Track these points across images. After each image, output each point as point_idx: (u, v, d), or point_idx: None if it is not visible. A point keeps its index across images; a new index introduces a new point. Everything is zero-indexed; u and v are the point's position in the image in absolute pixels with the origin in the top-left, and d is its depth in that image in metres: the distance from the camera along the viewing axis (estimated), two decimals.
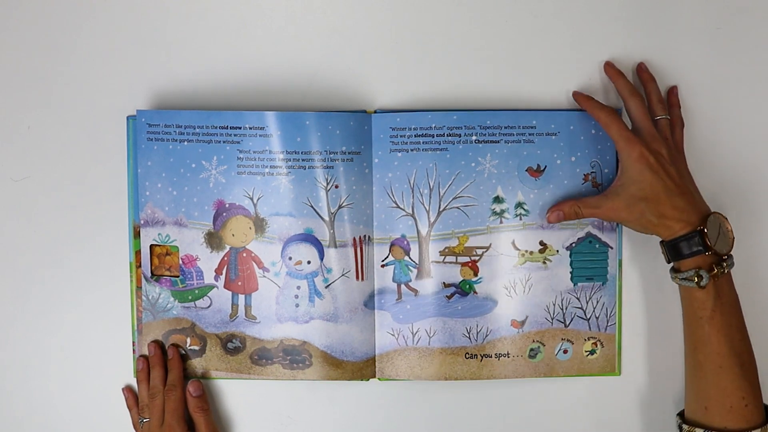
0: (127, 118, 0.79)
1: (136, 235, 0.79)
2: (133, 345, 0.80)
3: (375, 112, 0.79)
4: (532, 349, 0.80)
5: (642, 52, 0.80)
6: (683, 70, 0.80)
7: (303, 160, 0.77)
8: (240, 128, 0.77)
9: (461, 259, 0.79)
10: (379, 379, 0.80)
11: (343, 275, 0.78)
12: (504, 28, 0.80)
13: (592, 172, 0.79)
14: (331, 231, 0.78)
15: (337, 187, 0.77)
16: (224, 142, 0.77)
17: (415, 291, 0.79)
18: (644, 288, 0.81)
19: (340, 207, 0.77)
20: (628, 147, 0.72)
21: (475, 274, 0.79)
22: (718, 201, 0.79)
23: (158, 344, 0.80)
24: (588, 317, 0.80)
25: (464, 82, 0.80)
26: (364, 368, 0.79)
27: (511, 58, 0.80)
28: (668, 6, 0.80)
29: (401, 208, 0.78)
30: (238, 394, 0.81)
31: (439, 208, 0.79)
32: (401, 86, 0.80)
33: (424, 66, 0.80)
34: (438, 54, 0.80)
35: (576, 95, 0.78)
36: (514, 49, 0.80)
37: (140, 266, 0.79)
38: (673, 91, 0.79)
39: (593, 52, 0.80)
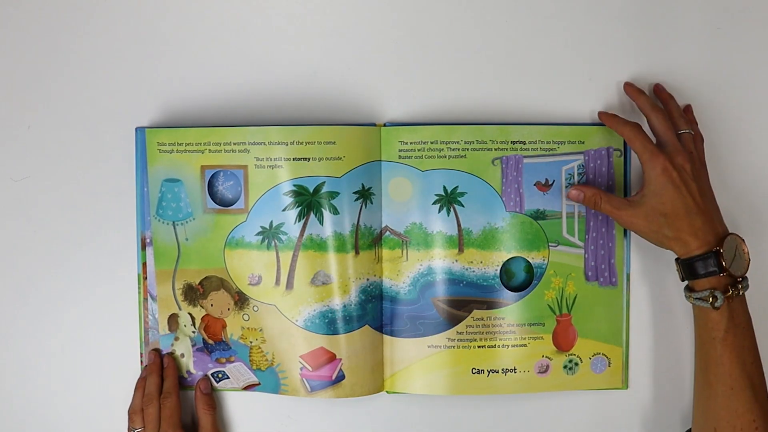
0: (136, 129, 0.78)
1: (144, 246, 0.79)
2: (141, 357, 0.80)
3: (384, 125, 0.78)
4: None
5: (642, 52, 0.80)
6: (683, 70, 0.80)
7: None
8: None
9: None
10: (387, 392, 0.80)
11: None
12: (508, 35, 0.80)
13: None
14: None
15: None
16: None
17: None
18: (652, 302, 0.82)
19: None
20: (652, 160, 0.72)
21: None
22: (718, 200, 0.79)
23: (158, 352, 0.79)
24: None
25: (473, 93, 0.80)
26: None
27: (514, 65, 0.80)
28: (668, 6, 0.80)
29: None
30: (238, 395, 0.81)
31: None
32: (410, 97, 0.80)
33: (432, 75, 0.80)
34: (446, 62, 0.80)
35: (601, 115, 0.78)
36: (518, 56, 0.80)
37: (147, 278, 0.79)
38: (688, 108, 0.80)
39: (593, 52, 0.80)
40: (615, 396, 0.82)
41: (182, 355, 0.79)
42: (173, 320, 0.79)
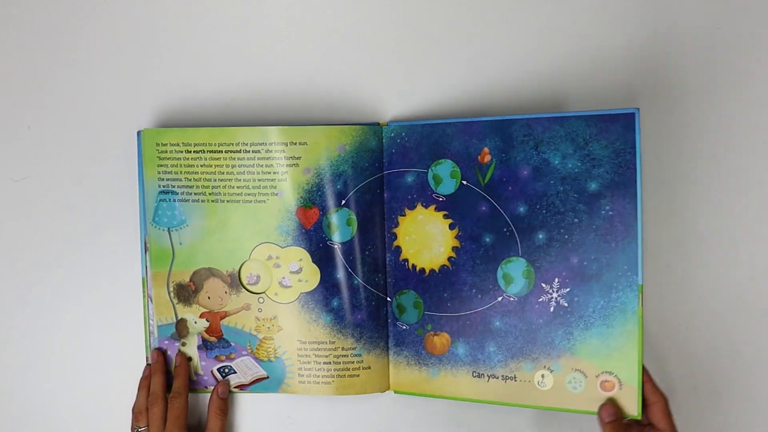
0: (138, 133, 0.78)
1: (147, 249, 0.78)
2: (147, 360, 0.80)
3: (387, 124, 0.78)
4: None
5: (642, 52, 0.80)
6: (683, 70, 0.80)
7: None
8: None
9: None
10: (395, 391, 0.79)
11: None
12: (508, 33, 0.80)
13: None
14: None
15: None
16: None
17: None
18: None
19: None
20: None
21: None
22: (717, 201, 0.80)
23: (161, 351, 0.79)
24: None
25: (474, 90, 0.80)
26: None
27: (515, 62, 0.80)
28: (668, 6, 0.80)
29: None
30: (239, 394, 0.82)
31: None
32: (412, 95, 0.80)
33: (434, 73, 0.80)
34: (447, 60, 0.80)
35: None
36: (518, 54, 0.80)
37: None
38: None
39: (592, 52, 0.80)
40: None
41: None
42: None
